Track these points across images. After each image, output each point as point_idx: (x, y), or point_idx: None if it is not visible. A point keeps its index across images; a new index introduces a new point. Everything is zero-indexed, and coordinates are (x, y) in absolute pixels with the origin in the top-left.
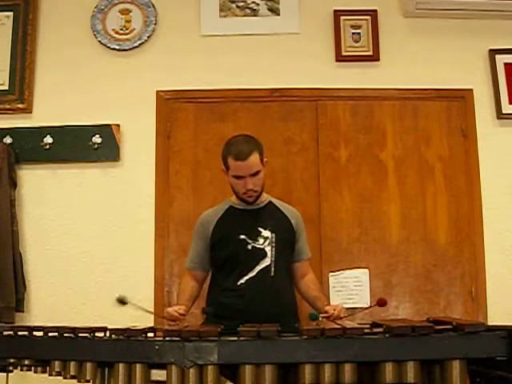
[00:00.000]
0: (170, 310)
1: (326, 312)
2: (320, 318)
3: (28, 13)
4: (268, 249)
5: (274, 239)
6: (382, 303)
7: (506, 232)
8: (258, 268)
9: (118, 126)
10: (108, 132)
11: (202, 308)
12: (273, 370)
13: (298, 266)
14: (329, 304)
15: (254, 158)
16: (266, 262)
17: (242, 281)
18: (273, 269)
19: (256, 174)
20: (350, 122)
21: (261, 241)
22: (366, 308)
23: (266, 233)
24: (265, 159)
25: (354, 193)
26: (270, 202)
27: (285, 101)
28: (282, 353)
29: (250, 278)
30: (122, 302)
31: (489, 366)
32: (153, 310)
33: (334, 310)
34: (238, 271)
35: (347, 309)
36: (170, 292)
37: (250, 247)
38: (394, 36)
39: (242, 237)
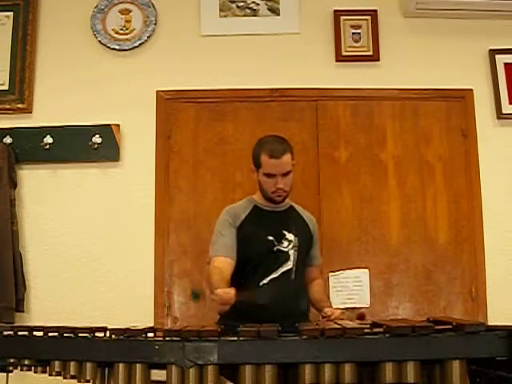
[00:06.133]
0: (222, 292)
1: (325, 313)
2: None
3: (28, 13)
4: (291, 252)
5: (296, 243)
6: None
7: (505, 232)
8: (281, 270)
9: (118, 125)
10: (108, 132)
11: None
12: (273, 369)
13: (310, 270)
14: (330, 307)
15: (287, 157)
16: (289, 265)
17: (265, 281)
18: (294, 272)
19: (287, 174)
20: (349, 122)
21: (285, 244)
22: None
23: (290, 236)
24: (293, 161)
25: (354, 193)
26: (291, 206)
27: (285, 101)
28: (282, 353)
29: (273, 279)
30: (196, 295)
31: (489, 366)
32: None
33: (332, 313)
34: (262, 271)
35: (347, 309)
36: (170, 292)
37: (275, 249)
38: (394, 36)
39: (270, 238)
